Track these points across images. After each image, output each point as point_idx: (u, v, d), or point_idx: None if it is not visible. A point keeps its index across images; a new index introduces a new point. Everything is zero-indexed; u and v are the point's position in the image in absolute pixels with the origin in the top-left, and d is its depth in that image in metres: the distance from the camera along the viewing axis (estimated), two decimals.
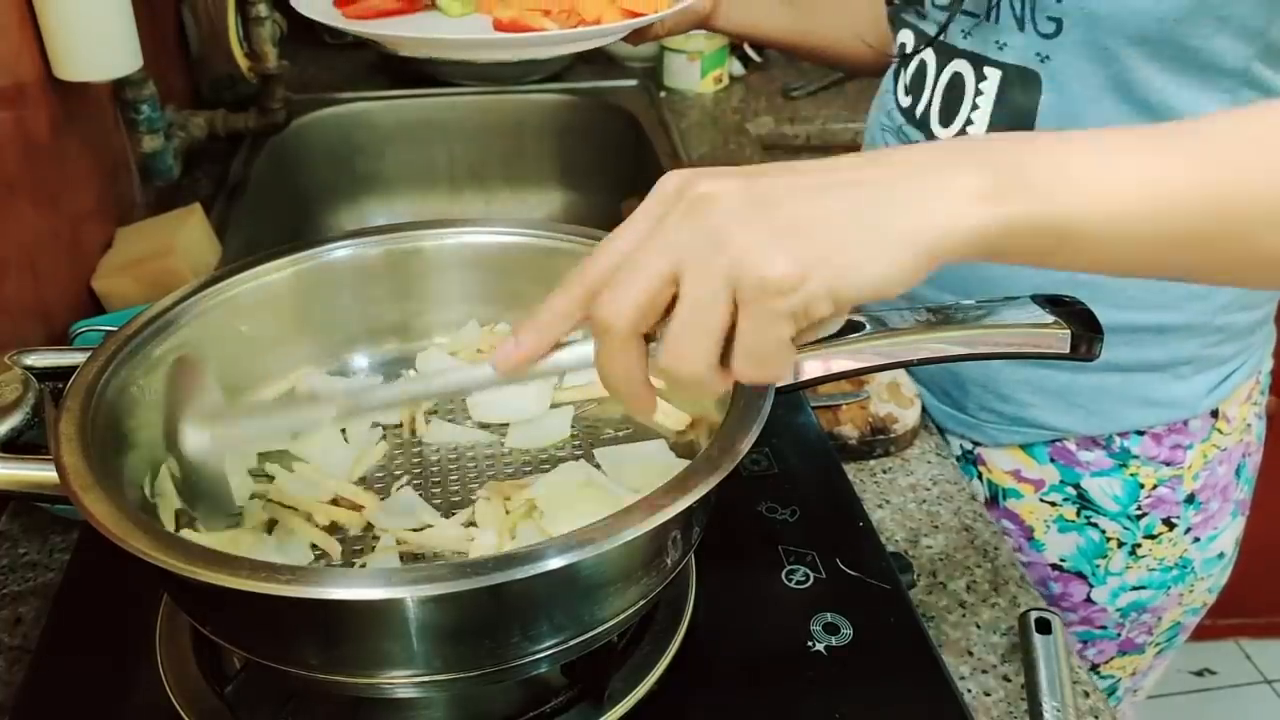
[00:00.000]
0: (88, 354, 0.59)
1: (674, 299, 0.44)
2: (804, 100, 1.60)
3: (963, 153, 0.46)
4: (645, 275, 0.44)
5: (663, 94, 1.61)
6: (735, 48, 1.66)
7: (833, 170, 0.45)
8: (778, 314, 0.42)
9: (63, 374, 0.59)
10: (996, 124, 0.80)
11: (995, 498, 0.93)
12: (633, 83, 1.63)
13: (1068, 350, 0.61)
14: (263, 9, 1.25)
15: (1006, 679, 0.67)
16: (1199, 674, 2.01)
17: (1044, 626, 0.66)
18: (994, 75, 0.80)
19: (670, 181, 0.46)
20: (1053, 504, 0.90)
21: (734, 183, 0.44)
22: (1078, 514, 0.89)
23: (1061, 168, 0.45)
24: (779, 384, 0.46)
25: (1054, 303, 0.62)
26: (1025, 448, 0.90)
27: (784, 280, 0.42)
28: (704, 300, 0.43)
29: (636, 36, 1.01)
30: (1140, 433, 0.86)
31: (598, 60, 1.70)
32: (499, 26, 0.90)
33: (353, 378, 0.73)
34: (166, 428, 0.56)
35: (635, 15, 0.92)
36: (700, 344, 0.43)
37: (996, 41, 0.79)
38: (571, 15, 0.91)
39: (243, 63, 1.37)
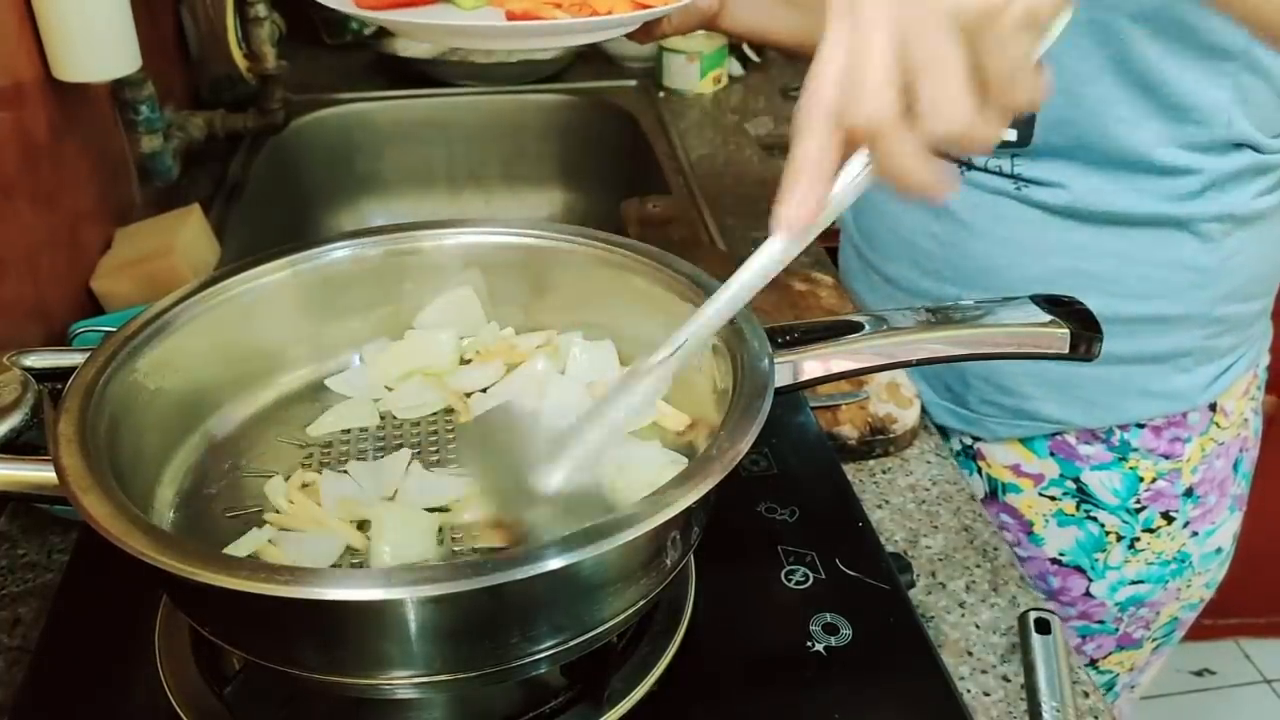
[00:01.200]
0: (87, 354, 0.59)
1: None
2: None
3: None
4: (877, 64, 0.43)
5: (662, 94, 1.61)
6: (734, 48, 1.66)
7: None
8: (1014, 30, 0.42)
9: (62, 375, 0.59)
10: None
11: (994, 492, 0.93)
12: (632, 83, 1.63)
13: (1067, 350, 0.62)
14: (261, 9, 1.25)
15: (1006, 679, 0.67)
16: (1199, 674, 2.01)
17: (1043, 626, 0.66)
18: None
19: None
20: (1052, 498, 0.90)
21: None
22: (1077, 508, 0.89)
23: None
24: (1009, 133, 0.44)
25: (1053, 302, 0.63)
26: (1025, 442, 0.90)
27: None
28: (941, 52, 0.42)
29: (643, 34, 1.01)
30: (1140, 426, 0.86)
31: (597, 60, 1.70)
32: (511, 17, 0.90)
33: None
34: (503, 483, 0.54)
35: (646, 6, 0.92)
36: (958, 94, 0.43)
37: None
38: (584, 7, 0.92)
39: (241, 63, 1.37)
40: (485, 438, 0.59)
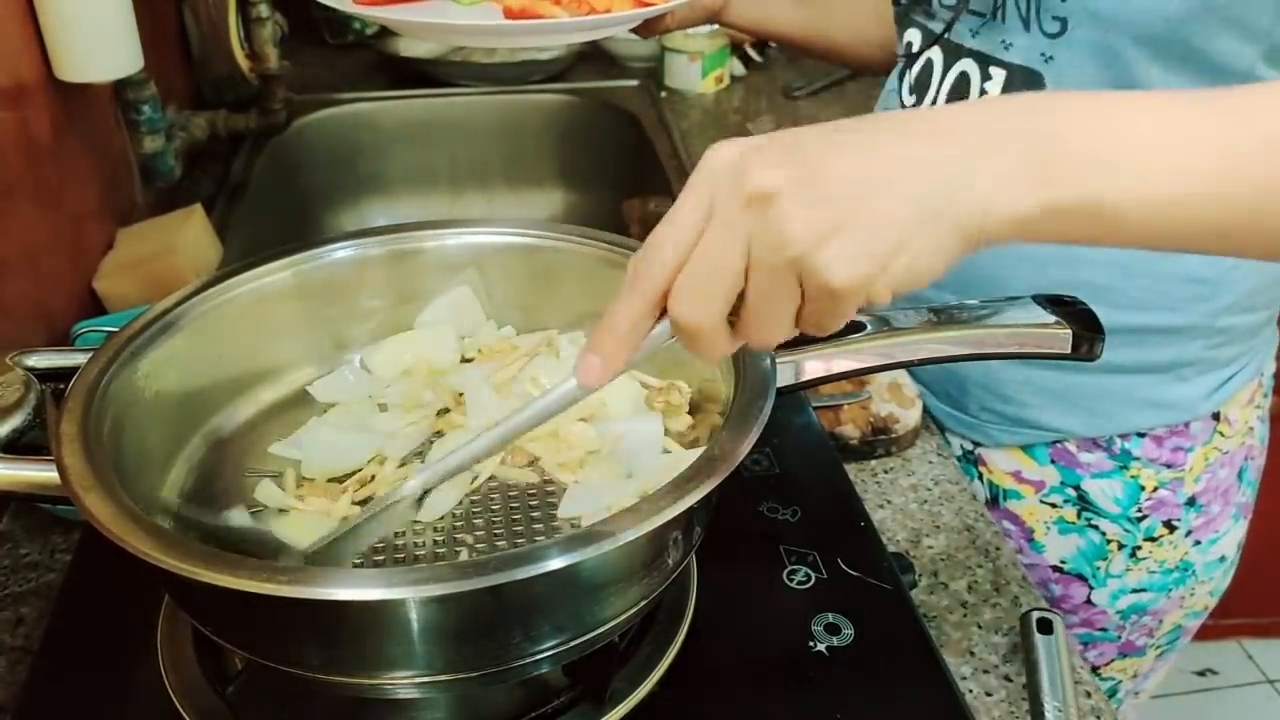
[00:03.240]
0: (89, 355, 0.59)
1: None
2: (805, 100, 1.60)
3: (998, 116, 0.46)
4: (722, 275, 0.44)
5: (663, 94, 1.61)
6: (736, 48, 1.66)
7: (879, 144, 0.45)
8: (838, 313, 0.45)
9: (64, 375, 0.59)
10: None
11: (996, 499, 0.92)
12: (633, 83, 1.63)
13: (1069, 350, 0.62)
14: (264, 9, 1.25)
15: (1008, 679, 0.67)
16: (1201, 674, 2.01)
17: (1045, 626, 0.66)
18: (999, 75, 0.80)
19: (718, 161, 0.45)
20: (1053, 505, 0.90)
21: (786, 172, 0.43)
22: (1078, 516, 0.89)
23: (1104, 141, 0.45)
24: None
25: (1055, 303, 0.62)
26: (1026, 449, 0.90)
27: (852, 288, 0.43)
28: (777, 287, 0.44)
29: (646, 28, 1.00)
30: (1141, 435, 0.86)
31: (598, 60, 1.70)
32: (509, 14, 0.90)
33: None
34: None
35: (647, 5, 0.92)
36: (780, 324, 0.46)
37: (1002, 41, 0.79)
38: (583, 4, 0.91)
39: (244, 63, 1.37)
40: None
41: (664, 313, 0.46)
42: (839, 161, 0.44)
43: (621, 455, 0.64)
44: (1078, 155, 0.45)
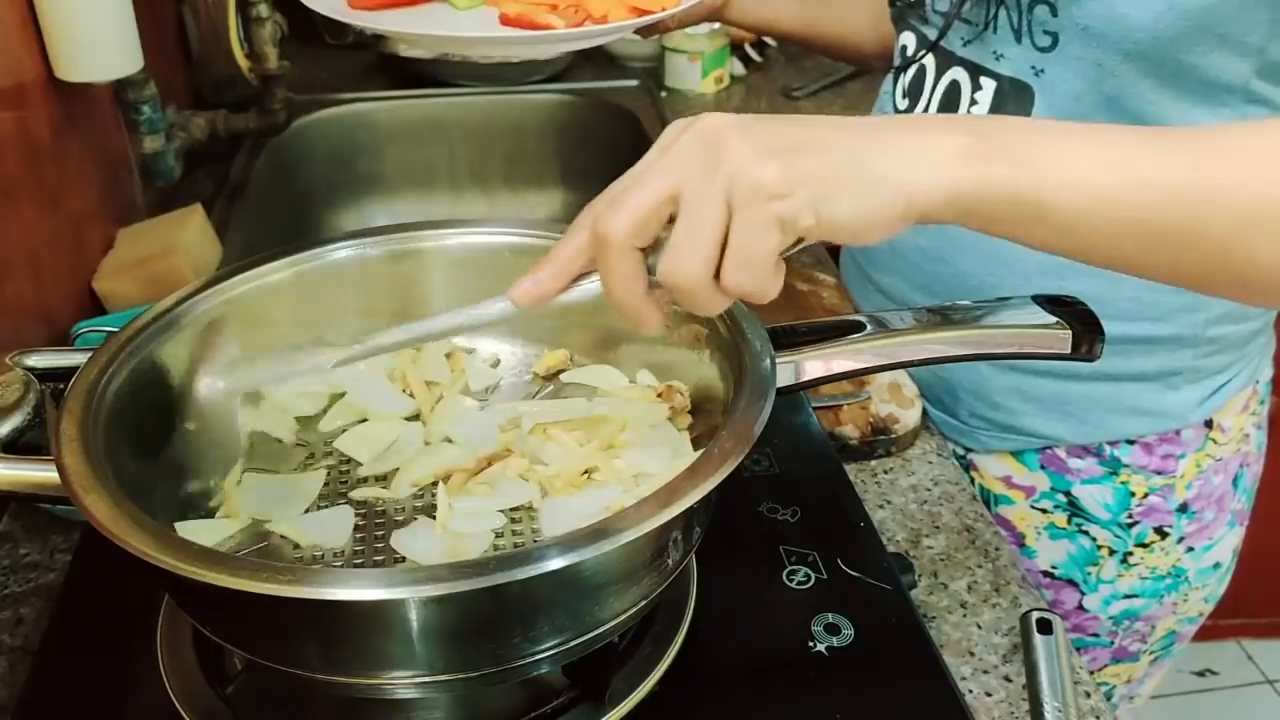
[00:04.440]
0: (89, 355, 0.59)
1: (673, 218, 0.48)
2: (805, 100, 1.60)
3: (956, 120, 0.51)
4: (644, 190, 0.47)
5: (663, 94, 1.61)
6: (736, 48, 1.66)
7: (831, 121, 0.50)
8: (768, 219, 0.46)
9: (64, 375, 0.59)
10: None
11: (987, 504, 0.92)
12: (633, 83, 1.63)
13: (1069, 350, 0.62)
14: (263, 9, 1.25)
15: (1008, 679, 0.67)
16: (1200, 674, 2.01)
17: (1045, 627, 0.66)
18: (989, 86, 0.80)
19: (677, 123, 0.50)
20: (1044, 511, 0.89)
21: (737, 117, 0.48)
22: (1069, 521, 0.89)
23: (1045, 144, 0.48)
24: (764, 302, 0.49)
25: (1055, 303, 0.62)
26: (1016, 454, 0.90)
27: (775, 185, 0.45)
28: (701, 207, 0.46)
29: (648, 30, 1.00)
30: (1131, 441, 0.86)
31: (599, 60, 1.70)
32: (505, 21, 0.90)
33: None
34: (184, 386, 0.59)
35: (643, 13, 0.92)
36: (697, 251, 0.47)
37: (994, 52, 0.79)
38: (579, 10, 0.91)
39: (243, 63, 1.37)
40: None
41: (594, 271, 0.50)
42: (788, 120, 0.49)
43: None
44: (1017, 147, 0.48)
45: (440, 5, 0.94)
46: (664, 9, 0.93)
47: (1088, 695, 0.66)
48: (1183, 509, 0.87)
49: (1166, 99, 0.72)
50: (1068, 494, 0.88)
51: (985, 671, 0.67)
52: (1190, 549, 0.89)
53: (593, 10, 0.91)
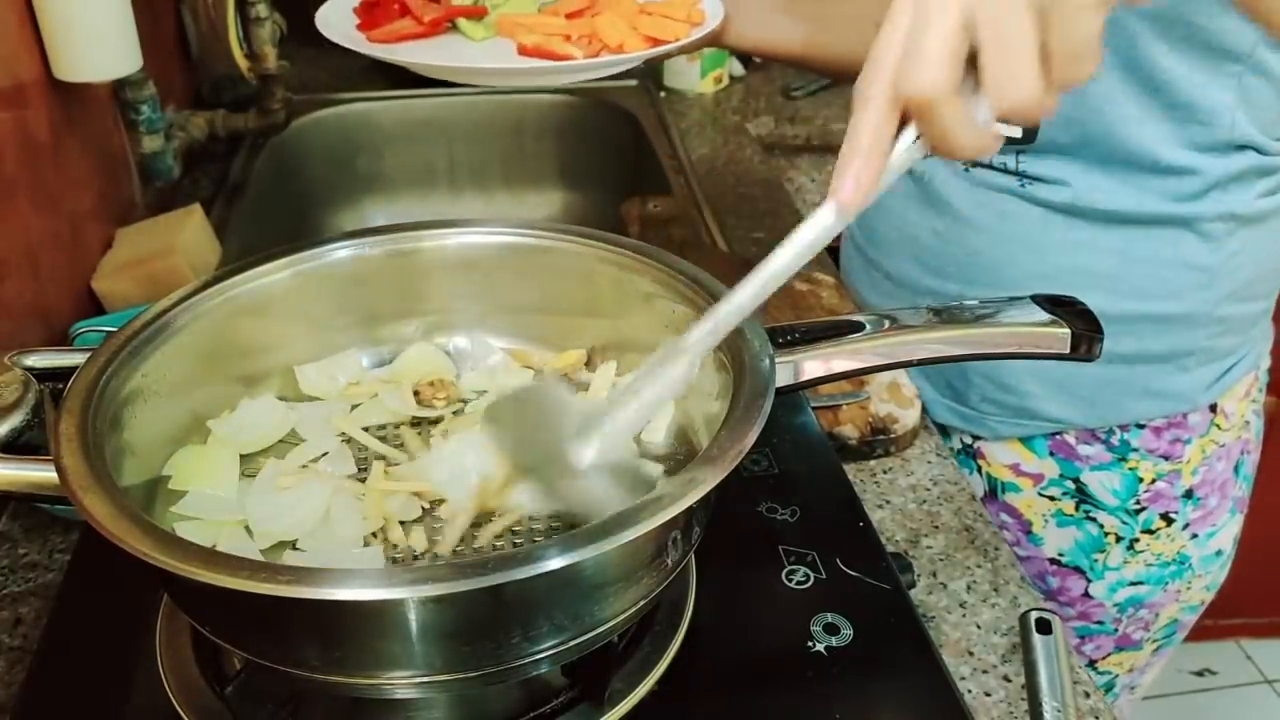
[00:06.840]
0: (88, 354, 0.59)
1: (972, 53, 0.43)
2: (804, 100, 1.60)
3: None
4: (940, 35, 0.43)
5: (663, 94, 1.61)
6: None
7: None
8: (1080, 8, 0.42)
9: (63, 375, 0.59)
10: None
11: (994, 492, 0.93)
12: (633, 83, 1.63)
13: (1068, 350, 0.62)
14: (262, 9, 1.25)
15: (1007, 679, 0.67)
16: (1199, 674, 2.01)
17: (1044, 627, 0.66)
18: None
19: None
20: (1051, 498, 0.90)
21: None
22: (1076, 508, 0.89)
23: None
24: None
25: (1054, 302, 0.63)
26: (1025, 441, 0.90)
27: None
28: (1009, 27, 0.42)
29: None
30: (1140, 426, 0.86)
31: None
32: (524, 51, 0.91)
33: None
34: (534, 459, 0.55)
35: (658, 42, 0.92)
36: (1023, 62, 0.43)
37: None
38: (594, 40, 0.91)
39: (242, 63, 1.37)
40: (516, 415, 0.58)
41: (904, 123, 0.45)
42: None
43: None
44: None
45: (454, 36, 0.94)
46: (676, 39, 0.93)
47: (1087, 695, 0.66)
48: (1188, 495, 0.88)
49: (1179, 64, 0.74)
50: (1076, 480, 0.89)
51: (984, 671, 0.67)
52: (1194, 535, 0.90)
53: (608, 40, 0.91)
